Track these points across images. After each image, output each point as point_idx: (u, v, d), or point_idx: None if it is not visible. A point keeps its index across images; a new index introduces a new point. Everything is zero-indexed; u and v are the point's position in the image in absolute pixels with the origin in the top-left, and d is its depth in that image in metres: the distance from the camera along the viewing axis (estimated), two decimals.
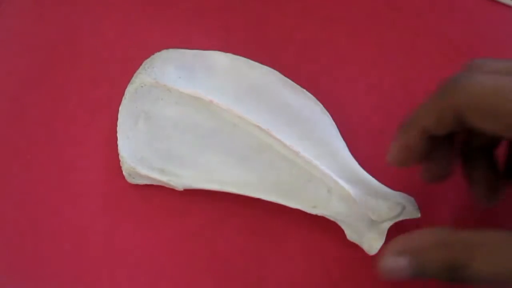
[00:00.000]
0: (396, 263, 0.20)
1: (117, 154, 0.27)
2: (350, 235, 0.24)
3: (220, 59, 0.27)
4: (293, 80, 0.27)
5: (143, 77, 0.27)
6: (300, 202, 0.25)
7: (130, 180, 0.27)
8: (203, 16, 0.32)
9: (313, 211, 0.25)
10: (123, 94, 0.28)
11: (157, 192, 0.27)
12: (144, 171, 0.26)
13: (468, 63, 0.21)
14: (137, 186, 0.27)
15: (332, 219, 0.25)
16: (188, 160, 0.26)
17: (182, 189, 0.26)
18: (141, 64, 0.28)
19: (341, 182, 0.25)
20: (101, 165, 0.28)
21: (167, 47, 0.29)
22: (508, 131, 0.18)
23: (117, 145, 0.27)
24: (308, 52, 0.31)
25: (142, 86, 0.27)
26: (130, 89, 0.27)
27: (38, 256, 0.27)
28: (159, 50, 0.29)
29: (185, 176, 0.26)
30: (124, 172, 0.27)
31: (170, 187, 0.26)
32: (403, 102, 0.29)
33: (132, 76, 0.29)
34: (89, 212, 0.27)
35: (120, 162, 0.27)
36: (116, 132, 0.27)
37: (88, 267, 0.26)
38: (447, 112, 0.20)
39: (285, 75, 0.27)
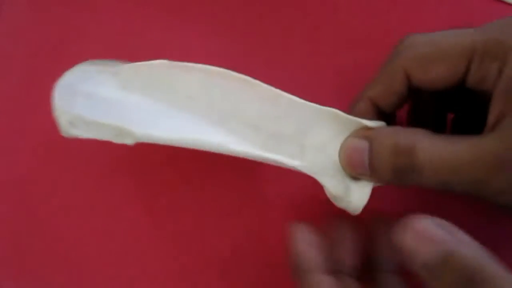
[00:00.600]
0: (358, 143, 0.22)
1: None
2: (334, 190, 0.23)
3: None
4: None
5: (85, 65, 0.24)
6: (276, 154, 0.23)
7: (70, 130, 0.22)
8: (204, 15, 0.32)
9: (291, 164, 0.23)
10: None
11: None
12: (92, 117, 0.22)
13: (402, 39, 0.23)
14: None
15: (312, 174, 0.23)
16: (143, 119, 0.23)
17: (134, 142, 0.22)
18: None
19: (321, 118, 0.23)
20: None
21: (167, 46, 0.30)
22: (446, 77, 0.21)
23: None
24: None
25: (86, 71, 0.23)
26: (69, 73, 0.24)
27: None
28: (160, 50, 0.30)
29: (142, 125, 0.22)
30: (61, 121, 0.22)
31: (119, 141, 0.23)
32: None
33: None
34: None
35: (56, 113, 0.22)
36: None
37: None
38: (397, 71, 0.22)
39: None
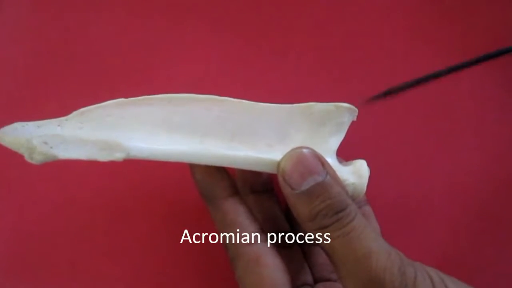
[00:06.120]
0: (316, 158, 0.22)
1: None
2: None
3: None
4: None
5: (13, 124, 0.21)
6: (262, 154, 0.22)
7: (46, 151, 0.19)
8: (204, 15, 0.32)
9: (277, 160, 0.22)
10: (122, 95, 0.25)
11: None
12: (72, 131, 0.20)
13: None
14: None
15: None
16: (128, 136, 0.21)
17: (125, 157, 0.20)
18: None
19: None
20: None
21: (167, 47, 0.29)
22: None
23: None
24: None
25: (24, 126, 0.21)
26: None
27: None
28: (160, 50, 0.30)
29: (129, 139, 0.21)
30: (35, 143, 0.19)
31: (106, 157, 0.20)
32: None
33: (132, 77, 0.28)
34: None
35: (19, 140, 0.20)
36: None
37: None
38: None
39: None
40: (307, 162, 0.21)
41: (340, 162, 0.24)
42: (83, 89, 0.30)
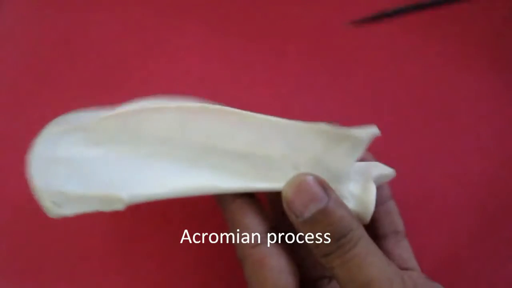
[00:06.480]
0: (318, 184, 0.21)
1: None
2: None
3: None
4: None
5: (52, 128, 0.23)
6: (269, 182, 0.22)
7: (56, 211, 0.22)
8: (204, 15, 0.32)
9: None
10: (122, 96, 0.26)
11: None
12: (76, 191, 0.22)
13: None
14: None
15: None
16: (126, 179, 0.22)
17: (125, 206, 0.22)
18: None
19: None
20: None
21: (167, 47, 0.29)
22: None
23: None
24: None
25: (54, 134, 0.23)
26: (39, 141, 0.23)
27: None
28: (160, 51, 0.30)
29: (129, 187, 0.22)
30: (45, 203, 0.22)
31: (108, 209, 0.22)
32: None
33: (132, 77, 0.28)
34: None
35: (37, 194, 0.22)
36: None
37: None
38: None
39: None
40: (309, 189, 0.21)
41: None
42: (83, 89, 0.30)
